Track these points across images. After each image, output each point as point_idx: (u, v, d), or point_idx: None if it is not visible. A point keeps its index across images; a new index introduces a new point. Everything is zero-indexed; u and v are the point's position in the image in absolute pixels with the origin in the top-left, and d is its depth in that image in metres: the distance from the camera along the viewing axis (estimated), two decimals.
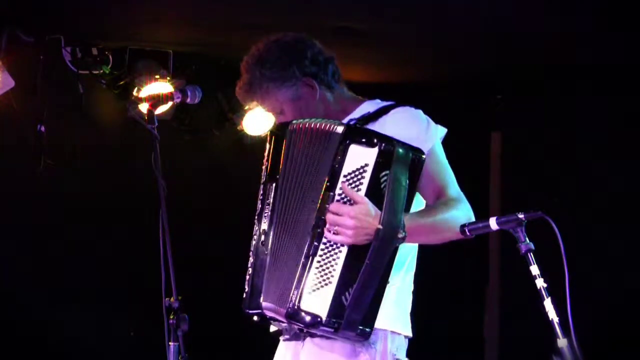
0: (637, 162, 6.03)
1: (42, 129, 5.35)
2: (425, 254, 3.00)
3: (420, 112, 2.87)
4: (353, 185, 2.59)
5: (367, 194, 2.59)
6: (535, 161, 6.44)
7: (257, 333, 2.97)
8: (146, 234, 3.36)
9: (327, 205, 2.59)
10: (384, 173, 2.58)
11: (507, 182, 6.65)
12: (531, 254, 2.69)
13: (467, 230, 2.81)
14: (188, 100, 3.34)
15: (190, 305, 3.06)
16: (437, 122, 2.89)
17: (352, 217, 2.56)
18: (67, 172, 5.53)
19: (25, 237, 5.45)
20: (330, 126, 2.67)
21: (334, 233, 2.58)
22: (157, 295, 3.08)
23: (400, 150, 2.59)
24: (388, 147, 2.57)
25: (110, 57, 5.48)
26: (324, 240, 2.61)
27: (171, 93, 3.29)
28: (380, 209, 2.57)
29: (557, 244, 2.66)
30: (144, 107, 3.23)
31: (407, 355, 2.85)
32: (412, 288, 2.91)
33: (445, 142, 2.90)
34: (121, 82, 5.55)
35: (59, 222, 5.59)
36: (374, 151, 2.58)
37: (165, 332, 3.05)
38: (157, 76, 5.45)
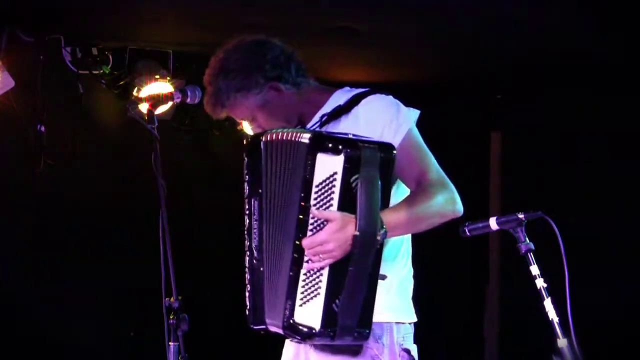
0: (637, 162, 6.03)
1: (42, 129, 5.35)
2: (426, 253, 3.00)
3: (390, 97, 2.85)
4: (326, 194, 2.59)
5: (340, 202, 2.57)
6: (535, 161, 6.44)
7: (257, 333, 2.96)
8: (146, 234, 3.36)
9: (300, 242, 2.59)
10: (354, 178, 2.56)
11: (507, 182, 6.65)
12: (531, 254, 2.70)
13: (467, 230, 2.81)
14: (188, 100, 3.34)
15: (190, 305, 3.07)
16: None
17: (327, 241, 2.55)
18: (67, 172, 5.53)
19: (25, 237, 5.45)
20: (297, 136, 2.66)
21: (318, 261, 2.59)
22: (157, 295, 3.08)
23: (367, 152, 2.56)
24: (354, 152, 2.55)
25: (110, 57, 5.48)
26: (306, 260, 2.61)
27: (171, 93, 3.29)
28: (355, 213, 2.56)
29: (557, 244, 2.66)
30: (144, 107, 3.23)
31: (416, 340, 2.86)
32: (412, 272, 2.91)
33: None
34: (121, 82, 5.55)
35: (59, 222, 5.59)
36: (340, 158, 2.55)
37: (165, 332, 3.05)
38: (157, 76, 5.45)
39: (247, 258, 2.82)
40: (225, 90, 2.92)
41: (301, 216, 2.59)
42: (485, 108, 6.71)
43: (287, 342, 2.96)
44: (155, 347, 3.35)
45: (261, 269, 2.76)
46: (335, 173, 2.57)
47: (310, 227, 2.59)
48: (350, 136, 2.62)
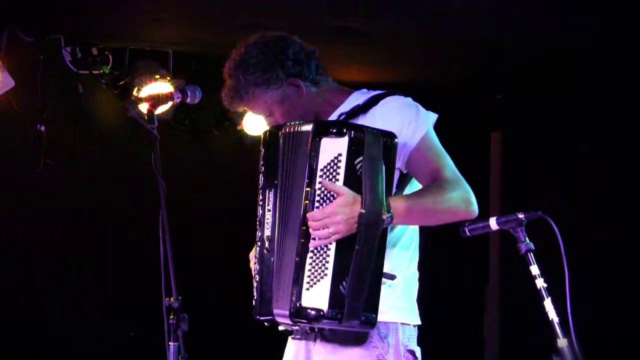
0: (637, 162, 6.03)
1: (42, 129, 5.35)
2: (426, 253, 3.00)
3: (409, 99, 2.88)
4: (330, 176, 2.62)
5: (345, 182, 2.61)
6: (535, 161, 6.44)
7: (257, 333, 2.97)
8: (146, 234, 3.36)
9: (306, 227, 2.60)
10: (358, 160, 2.61)
11: (507, 182, 6.65)
12: (531, 254, 2.70)
13: (467, 230, 2.81)
14: (188, 100, 3.34)
15: (190, 305, 3.07)
16: (437, 122, 2.88)
17: (335, 212, 2.58)
18: (67, 172, 5.53)
19: (25, 237, 5.45)
20: (303, 126, 2.71)
21: (327, 236, 2.60)
22: (157, 295, 3.08)
23: (371, 136, 2.62)
24: (358, 134, 2.61)
25: (110, 57, 5.47)
26: (312, 236, 2.62)
27: (171, 93, 3.29)
28: (360, 194, 2.60)
29: (557, 244, 2.66)
30: (144, 107, 3.23)
31: (418, 343, 2.87)
32: (417, 275, 2.92)
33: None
34: (121, 82, 5.55)
35: (59, 222, 5.59)
36: (345, 140, 2.61)
37: (165, 332, 3.05)
38: (157, 76, 5.45)
39: (257, 248, 2.82)
40: (245, 84, 2.91)
41: (306, 201, 2.62)
42: (485, 108, 6.71)
43: (290, 341, 2.96)
44: (155, 347, 3.36)
45: (272, 259, 2.75)
46: (339, 155, 2.61)
47: (316, 204, 2.62)
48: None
